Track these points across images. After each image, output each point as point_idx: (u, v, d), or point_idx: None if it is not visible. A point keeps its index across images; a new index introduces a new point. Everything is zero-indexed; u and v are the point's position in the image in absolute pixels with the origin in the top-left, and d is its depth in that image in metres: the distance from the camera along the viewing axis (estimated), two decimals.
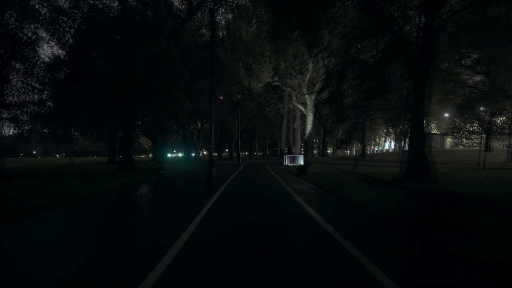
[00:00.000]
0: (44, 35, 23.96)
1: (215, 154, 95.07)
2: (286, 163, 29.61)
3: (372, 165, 29.00)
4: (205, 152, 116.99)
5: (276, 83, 33.26)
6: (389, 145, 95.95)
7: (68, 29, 22.46)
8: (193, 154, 56.78)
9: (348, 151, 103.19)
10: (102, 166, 33.39)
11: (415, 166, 13.23)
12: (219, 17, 26.62)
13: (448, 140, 57.65)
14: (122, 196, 10.10)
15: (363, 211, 7.21)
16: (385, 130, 78.76)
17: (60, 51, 22.93)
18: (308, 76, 30.98)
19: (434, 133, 47.99)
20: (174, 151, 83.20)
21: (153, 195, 10.38)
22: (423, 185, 12.33)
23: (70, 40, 23.14)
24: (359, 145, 30.32)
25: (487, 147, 39.69)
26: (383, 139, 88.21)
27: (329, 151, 72.04)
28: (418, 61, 13.27)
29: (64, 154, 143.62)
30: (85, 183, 13.38)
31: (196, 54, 23.31)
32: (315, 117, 34.96)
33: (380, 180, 14.21)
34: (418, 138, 13.40)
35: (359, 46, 15.60)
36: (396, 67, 15.79)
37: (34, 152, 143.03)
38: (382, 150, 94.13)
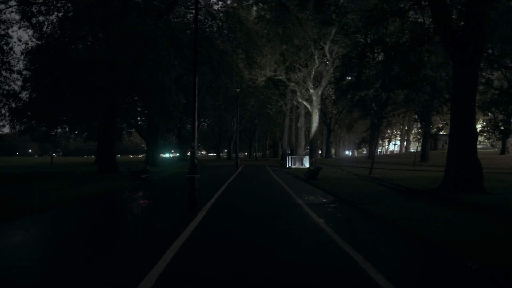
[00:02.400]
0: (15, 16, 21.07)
1: (214, 154, 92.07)
2: (290, 165, 26.59)
3: (386, 168, 25.97)
4: (203, 152, 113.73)
5: (279, 77, 30.24)
6: (393, 146, 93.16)
7: (40, 8, 19.45)
8: (189, 154, 54.02)
9: (350, 152, 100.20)
10: (86, 167, 30.32)
11: (464, 172, 10.18)
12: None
13: None
14: (54, 218, 7.02)
15: (467, 270, 3.98)
16: (389, 131, 75.96)
17: (30, 32, 19.83)
18: (314, 69, 27.99)
19: (445, 134, 44.77)
20: (172, 151, 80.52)
21: (103, 217, 7.23)
22: (479, 198, 9.36)
23: (44, 22, 20.13)
24: (369, 144, 27.56)
25: (505, 149, 36.80)
26: (386, 140, 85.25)
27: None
28: (466, 38, 10.25)
29: (61, 153, 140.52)
30: (36, 191, 10.32)
31: (188, 38, 20.22)
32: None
33: (416, 190, 11.15)
34: (468, 137, 10.36)
35: (384, 24, 12.57)
36: (430, 49, 12.76)
37: (30, 151, 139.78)
38: (386, 151, 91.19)
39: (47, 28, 20.68)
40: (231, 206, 8.05)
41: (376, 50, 12.89)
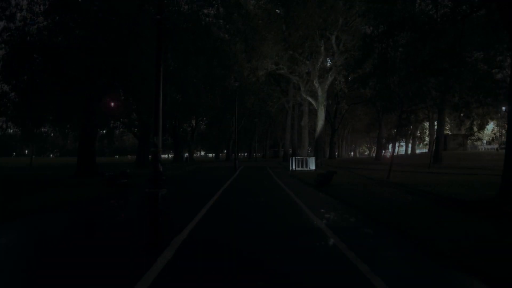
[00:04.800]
0: None
1: (212, 155, 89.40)
2: (294, 167, 24.03)
3: (401, 171, 23.39)
4: (202, 153, 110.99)
5: (281, 71, 27.70)
6: (398, 147, 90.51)
7: None
8: (186, 155, 52.00)
9: (352, 152, 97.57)
10: (69, 169, 27.77)
11: None
12: None
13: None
14: None
15: None
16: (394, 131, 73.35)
17: None
18: (321, 60, 25.53)
19: (458, 134, 42.29)
20: (171, 151, 78.41)
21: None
22: None
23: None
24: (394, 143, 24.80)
25: None
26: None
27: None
28: None
29: (58, 154, 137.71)
30: None
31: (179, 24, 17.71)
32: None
33: (464, 201, 8.59)
34: None
35: None
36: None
37: (27, 151, 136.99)
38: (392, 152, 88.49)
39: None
40: (216, 237, 5.35)
41: (405, 27, 10.41)
